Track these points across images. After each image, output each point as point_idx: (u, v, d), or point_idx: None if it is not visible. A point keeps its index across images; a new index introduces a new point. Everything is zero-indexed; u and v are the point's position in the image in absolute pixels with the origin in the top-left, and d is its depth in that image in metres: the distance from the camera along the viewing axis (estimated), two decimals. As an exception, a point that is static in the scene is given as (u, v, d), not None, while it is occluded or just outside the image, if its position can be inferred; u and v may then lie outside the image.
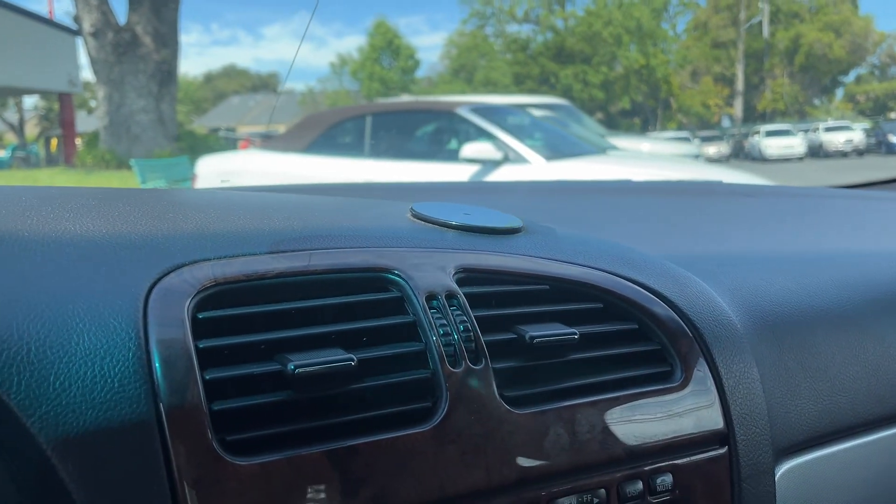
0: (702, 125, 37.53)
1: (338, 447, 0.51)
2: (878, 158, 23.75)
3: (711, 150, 27.81)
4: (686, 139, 26.69)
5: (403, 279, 0.61)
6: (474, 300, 0.62)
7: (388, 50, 39.11)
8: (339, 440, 0.52)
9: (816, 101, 42.02)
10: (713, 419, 0.66)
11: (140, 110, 16.51)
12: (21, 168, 21.64)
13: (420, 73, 42.66)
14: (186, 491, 0.46)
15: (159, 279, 0.54)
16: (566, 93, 36.18)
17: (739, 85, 38.26)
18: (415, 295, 0.60)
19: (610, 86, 35.97)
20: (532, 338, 0.60)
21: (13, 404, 0.43)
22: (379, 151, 4.67)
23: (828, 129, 26.87)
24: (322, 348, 0.54)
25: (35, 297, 0.48)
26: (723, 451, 0.66)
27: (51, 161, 23.85)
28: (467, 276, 0.64)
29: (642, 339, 0.68)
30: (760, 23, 39.08)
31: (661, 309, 0.69)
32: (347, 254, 0.62)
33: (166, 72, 16.36)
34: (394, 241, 0.67)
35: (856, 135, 26.06)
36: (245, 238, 0.62)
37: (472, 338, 0.58)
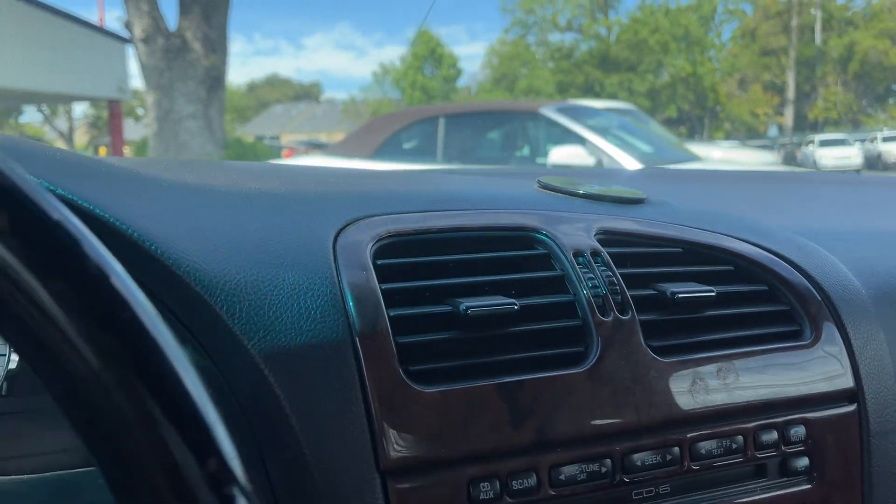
0: (750, 134, 36.58)
1: (506, 381, 0.56)
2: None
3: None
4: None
5: (550, 238, 0.66)
6: (615, 258, 0.67)
7: (430, 59, 38.96)
8: (506, 375, 0.57)
9: (871, 110, 40.66)
10: (843, 377, 0.68)
11: (189, 116, 16.45)
12: (70, 174, 21.76)
13: (462, 83, 42.48)
14: (378, 410, 0.52)
15: (342, 229, 0.61)
16: (605, 101, 35.50)
17: (790, 93, 37.17)
18: (562, 252, 0.65)
19: (656, 94, 35.32)
20: (673, 293, 0.65)
21: (236, 329, 0.50)
22: (453, 157, 4.30)
23: (886, 139, 25.83)
24: (485, 295, 0.59)
25: (244, 241, 0.56)
26: (852, 408, 0.68)
27: (99, 168, 23.99)
28: (606, 237, 0.69)
29: (772, 300, 0.71)
30: (812, 30, 37.95)
31: (789, 273, 0.72)
32: (498, 215, 0.69)
33: (215, 77, 16.30)
34: (533, 206, 0.73)
35: (918, 144, 25.02)
36: (406, 199, 0.70)
37: (619, 291, 0.63)
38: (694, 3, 35.66)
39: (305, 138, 33.98)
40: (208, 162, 0.93)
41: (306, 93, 62.65)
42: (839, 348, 0.69)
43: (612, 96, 35.05)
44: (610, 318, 0.62)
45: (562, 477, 0.58)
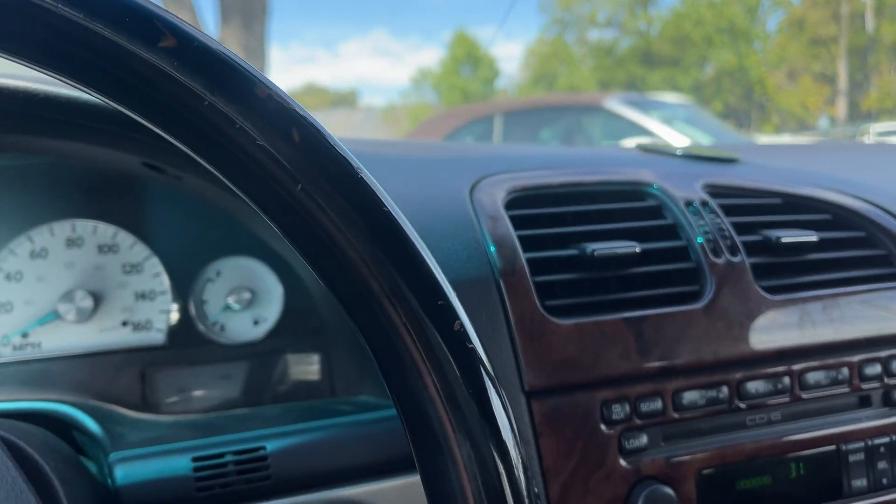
0: (800, 127, 35.46)
1: (632, 315, 0.63)
2: None
3: (815, 152, 26.12)
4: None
5: (661, 191, 0.72)
6: (721, 208, 0.73)
7: (468, 60, 38.73)
8: (631, 310, 0.63)
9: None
10: None
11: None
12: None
13: (499, 84, 42.18)
14: (521, 339, 0.58)
15: (476, 184, 0.68)
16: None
17: (842, 83, 35.94)
18: (673, 203, 0.71)
19: (701, 89, 34.53)
20: (778, 238, 0.70)
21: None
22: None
23: (948, 127, 24.76)
24: (607, 240, 0.66)
25: (397, 190, 0.59)
26: None
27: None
28: (711, 190, 0.75)
29: (870, 245, 0.76)
30: (863, 17, 36.64)
31: (885, 220, 0.77)
32: (610, 171, 0.74)
33: (257, 87, 16.27)
34: (641, 165, 0.79)
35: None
36: (529, 160, 0.77)
37: (728, 235, 0.69)
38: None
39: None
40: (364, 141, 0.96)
41: (343, 100, 63.09)
42: None
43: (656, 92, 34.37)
44: (722, 260, 0.67)
45: (684, 401, 0.63)
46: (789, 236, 0.70)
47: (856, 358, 0.69)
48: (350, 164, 0.33)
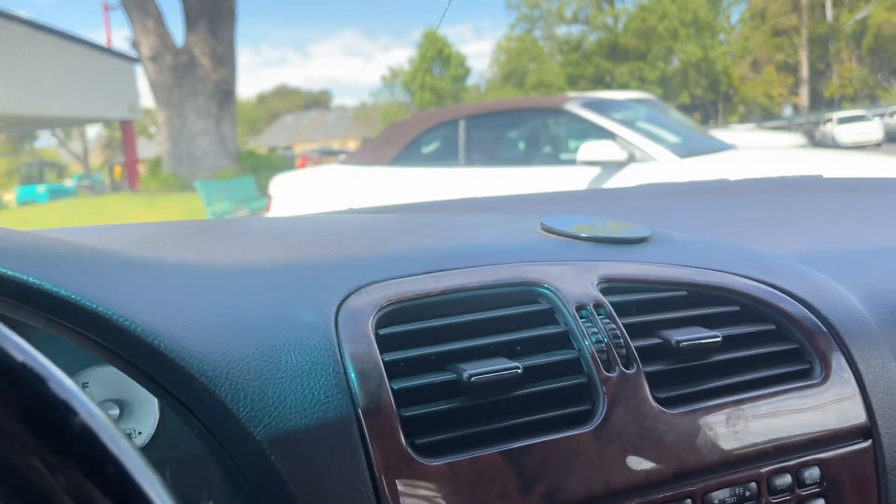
0: (765, 116, 36.05)
1: (512, 447, 0.56)
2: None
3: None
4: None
5: (552, 291, 0.65)
6: (617, 308, 0.66)
7: (438, 59, 38.81)
8: (512, 441, 0.56)
9: (887, 84, 39.92)
10: (856, 413, 0.67)
11: (201, 132, 16.45)
12: (87, 196, 21.92)
13: (471, 82, 42.31)
14: (385, 486, 0.52)
15: (344, 300, 0.60)
16: (623, 91, 35.23)
17: (804, 72, 36.57)
18: (565, 306, 0.64)
19: (667, 81, 34.92)
20: (678, 342, 0.64)
21: (241, 417, 0.50)
22: (475, 159, 4.15)
23: (906, 113, 25.35)
24: (486, 358, 0.59)
25: (247, 324, 0.55)
26: (867, 444, 0.67)
27: (115, 188, 24.18)
28: (609, 285, 0.69)
29: (780, 339, 0.70)
30: (823, 7, 37.30)
31: (796, 308, 0.71)
32: (499, 270, 0.67)
33: (225, 91, 16.27)
34: (535, 256, 0.72)
35: (939, 116, 24.54)
36: (407, 260, 0.69)
37: (623, 344, 0.62)
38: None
39: (318, 147, 33.96)
40: (200, 225, 0.90)
41: (316, 101, 62.80)
42: (850, 384, 0.68)
43: (624, 86, 34.70)
44: (615, 374, 0.61)
45: None
46: (690, 339, 0.64)
47: (765, 469, 0.63)
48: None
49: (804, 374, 0.68)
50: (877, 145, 23.89)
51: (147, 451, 0.67)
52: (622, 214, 0.96)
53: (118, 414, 0.68)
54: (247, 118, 51.41)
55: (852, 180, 1.63)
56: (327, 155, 18.29)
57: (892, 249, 0.92)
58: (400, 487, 0.52)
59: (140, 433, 0.69)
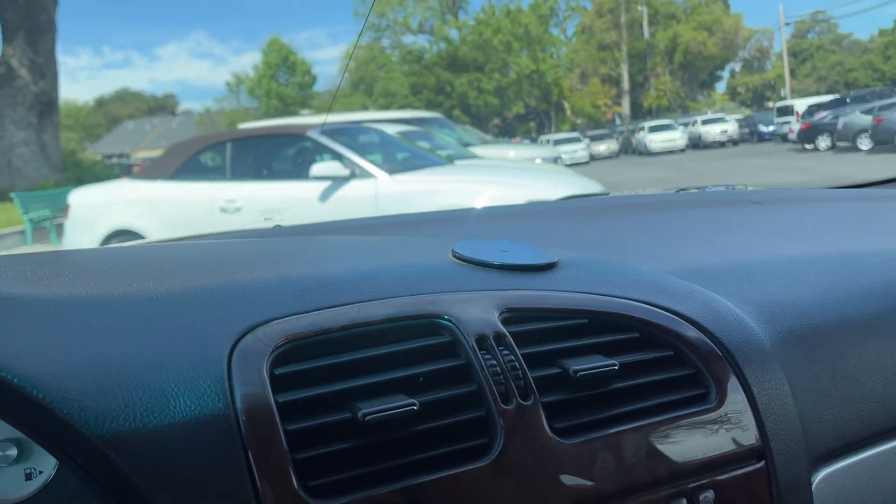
0: (594, 125, 39.23)
1: (408, 485, 0.55)
2: (751, 146, 25.54)
3: (602, 147, 29.29)
4: (576, 139, 28.01)
5: (454, 323, 0.65)
6: (519, 338, 0.66)
7: (283, 66, 39.07)
8: (408, 479, 0.56)
9: (699, 97, 44.55)
10: (749, 436, 0.69)
11: (21, 143, 16.13)
12: None
13: (322, 87, 42.83)
14: None
15: (238, 340, 0.58)
16: (462, 100, 37.11)
17: (625, 84, 40.22)
18: (465, 338, 0.64)
19: (503, 92, 37.13)
20: (576, 371, 0.64)
21: (125, 468, 0.47)
22: (239, 174, 5.08)
23: (705, 122, 28.67)
24: (386, 394, 0.58)
25: (132, 368, 0.53)
26: (760, 465, 0.69)
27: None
28: (511, 315, 0.69)
29: (678, 365, 0.71)
30: (641, 25, 41.17)
31: (694, 334, 0.73)
32: (401, 303, 0.67)
33: (46, 102, 16.03)
34: (441, 285, 0.72)
35: (730, 126, 27.95)
36: (306, 293, 0.67)
37: (521, 375, 0.63)
38: (533, 2, 37.81)
39: (160, 154, 33.12)
40: (88, 254, 0.92)
41: (161, 106, 60.57)
42: (744, 407, 0.70)
43: (463, 96, 36.59)
44: (512, 406, 0.61)
45: None
46: (587, 368, 0.65)
47: (661, 494, 0.64)
48: None
49: (700, 399, 0.69)
50: (681, 151, 26.95)
51: (49, 490, 0.66)
52: (536, 232, 0.97)
53: (16, 454, 0.65)
54: (84, 124, 48.99)
55: (757, 193, 1.66)
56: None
57: (791, 267, 0.92)
58: None
59: (41, 472, 0.66)
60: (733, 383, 0.71)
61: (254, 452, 0.52)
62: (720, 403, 0.69)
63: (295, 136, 5.20)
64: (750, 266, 0.92)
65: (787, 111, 25.52)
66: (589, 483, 0.61)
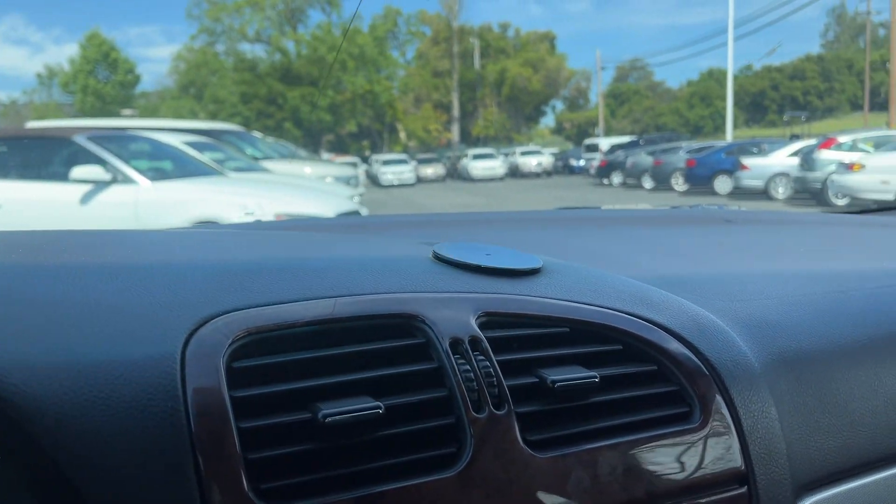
0: (426, 148, 40.55)
1: (366, 494, 0.52)
2: (562, 178, 27.75)
3: (429, 171, 30.39)
4: (404, 161, 28.92)
5: (428, 325, 0.62)
6: (497, 343, 0.63)
7: (104, 63, 36.96)
8: (367, 486, 0.52)
9: (524, 129, 47.43)
10: (732, 459, 0.66)
11: None
12: None
13: (151, 86, 40.93)
14: None
15: (195, 330, 0.55)
16: (294, 114, 37.01)
17: (455, 112, 42.01)
18: (439, 340, 0.60)
19: (337, 109, 37.45)
20: (553, 382, 0.61)
21: (60, 459, 0.45)
22: (8, 173, 5.09)
23: (523, 153, 30.74)
24: (351, 395, 0.55)
25: (78, 356, 0.49)
26: (743, 490, 0.66)
27: None
28: (489, 319, 0.65)
29: (661, 380, 0.68)
30: (472, 56, 43.29)
31: (679, 349, 0.69)
32: (374, 301, 0.63)
33: None
34: (418, 286, 0.68)
35: (544, 158, 30.14)
36: (272, 285, 0.63)
37: (495, 383, 0.59)
38: (371, 24, 38.62)
39: None
40: (21, 237, 0.79)
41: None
42: (728, 429, 0.67)
43: (295, 109, 36.48)
44: (484, 414, 0.57)
45: None
46: (566, 379, 0.61)
47: None
48: None
49: (683, 418, 0.66)
50: (500, 179, 28.65)
51: None
52: (528, 240, 0.92)
53: None
54: None
55: (753, 213, 1.60)
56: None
57: (783, 289, 0.90)
58: None
59: None
60: (718, 403, 0.67)
61: (202, 450, 0.48)
62: (704, 423, 0.66)
63: (61, 140, 5.28)
64: (737, 284, 0.89)
65: (594, 148, 28.12)
66: (562, 500, 0.58)
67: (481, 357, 0.60)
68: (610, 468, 0.60)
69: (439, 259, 0.77)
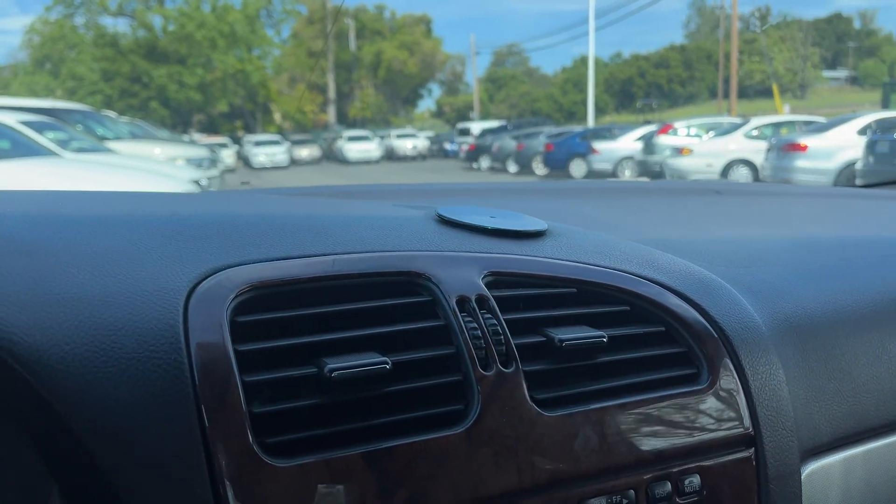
0: (301, 129, 39.98)
1: (374, 449, 0.52)
2: (437, 161, 28.22)
3: (304, 152, 30.09)
4: (276, 142, 28.48)
5: (434, 283, 0.61)
6: (503, 303, 0.62)
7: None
8: (374, 442, 0.52)
9: (401, 112, 47.68)
10: (740, 421, 0.66)
11: None
12: None
13: (3, 60, 37.92)
14: (228, 491, 0.47)
15: (198, 283, 0.54)
16: (161, 92, 35.48)
17: (331, 93, 41.61)
18: (445, 299, 0.60)
19: (207, 88, 36.23)
20: (561, 341, 0.61)
21: (62, 410, 0.44)
22: None
23: (398, 136, 30.98)
24: (357, 351, 0.54)
25: (79, 304, 0.49)
26: (749, 452, 0.67)
27: None
28: (496, 279, 0.65)
29: (669, 342, 0.68)
30: (348, 37, 42.96)
31: (687, 311, 0.69)
32: (379, 258, 0.63)
33: None
34: (423, 245, 0.68)
35: (420, 141, 30.53)
36: (279, 242, 0.63)
37: (503, 341, 0.59)
38: (243, 1, 37.48)
39: None
40: (32, 195, 0.81)
41: None
42: (736, 391, 0.66)
43: (162, 88, 34.99)
44: (492, 372, 0.57)
45: None
46: (574, 338, 0.61)
47: (645, 477, 0.60)
48: None
49: (690, 379, 0.66)
50: (376, 162, 28.77)
51: None
52: (529, 208, 0.96)
53: None
54: None
55: (757, 186, 1.60)
56: None
57: (790, 258, 0.90)
58: (244, 490, 0.47)
59: None
60: (726, 365, 0.67)
61: (207, 404, 0.48)
62: (711, 385, 0.66)
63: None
64: (740, 250, 0.90)
65: (466, 132, 28.74)
66: (569, 459, 0.58)
67: (488, 315, 0.60)
68: (617, 428, 0.60)
69: (444, 221, 0.77)
